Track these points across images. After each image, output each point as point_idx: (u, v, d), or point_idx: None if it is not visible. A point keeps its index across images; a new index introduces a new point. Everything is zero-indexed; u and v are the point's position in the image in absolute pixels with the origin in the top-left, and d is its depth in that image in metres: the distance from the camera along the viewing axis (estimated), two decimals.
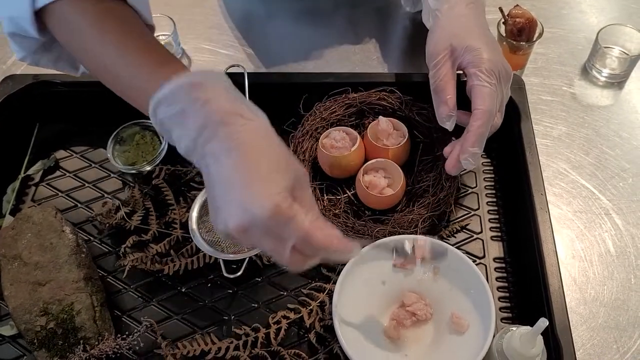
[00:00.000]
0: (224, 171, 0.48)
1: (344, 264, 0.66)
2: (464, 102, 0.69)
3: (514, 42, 0.85)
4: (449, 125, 0.69)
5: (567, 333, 0.60)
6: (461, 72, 0.70)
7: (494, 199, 0.78)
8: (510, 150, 0.77)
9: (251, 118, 0.49)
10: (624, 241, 0.75)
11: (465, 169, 0.69)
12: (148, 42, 0.55)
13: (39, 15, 0.55)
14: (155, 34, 0.91)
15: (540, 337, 0.55)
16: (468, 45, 0.68)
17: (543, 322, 0.53)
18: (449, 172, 0.70)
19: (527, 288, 0.69)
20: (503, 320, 0.68)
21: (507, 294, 0.70)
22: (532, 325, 0.55)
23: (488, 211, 0.77)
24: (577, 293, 0.71)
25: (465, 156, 0.66)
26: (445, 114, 0.68)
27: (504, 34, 0.86)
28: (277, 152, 0.50)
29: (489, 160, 0.81)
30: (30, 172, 0.82)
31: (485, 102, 0.65)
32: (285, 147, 0.51)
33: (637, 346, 0.67)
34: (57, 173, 0.83)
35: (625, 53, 0.90)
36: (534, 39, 0.85)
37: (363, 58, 0.94)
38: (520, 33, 0.85)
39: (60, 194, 0.81)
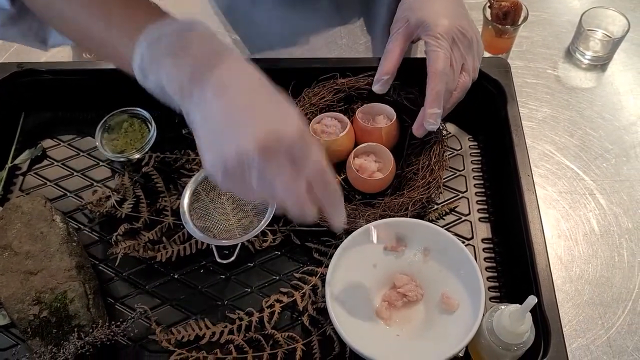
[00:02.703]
0: (240, 95, 0.47)
1: (335, 248, 0.67)
2: None
3: (500, 26, 0.86)
4: (377, 89, 0.73)
5: (554, 310, 0.61)
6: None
7: (482, 181, 0.79)
8: (497, 132, 0.78)
9: (240, 58, 0.51)
10: (608, 220, 0.77)
11: (430, 130, 0.71)
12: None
13: None
14: None
15: (529, 315, 0.56)
16: (420, 16, 0.70)
17: (532, 300, 0.54)
18: (416, 134, 0.73)
19: (514, 267, 0.71)
20: (492, 300, 0.70)
21: (496, 274, 0.72)
22: (520, 304, 0.56)
23: (476, 193, 0.78)
24: (563, 271, 0.73)
25: (426, 118, 0.69)
26: (377, 77, 0.72)
27: (490, 18, 0.86)
28: (278, 90, 0.50)
29: (475, 143, 0.83)
30: (17, 161, 0.81)
31: (436, 64, 0.68)
32: None
33: (621, 322, 0.69)
34: (45, 162, 0.82)
35: (608, 36, 0.91)
36: (519, 23, 0.86)
37: (350, 42, 0.94)
38: (505, 17, 0.86)
39: (48, 183, 0.80)
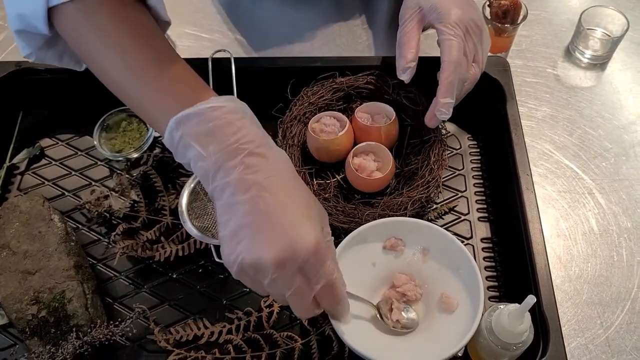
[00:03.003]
0: (261, 203, 0.47)
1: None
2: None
3: (499, 25, 0.86)
4: (405, 77, 0.71)
5: (553, 309, 0.61)
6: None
7: (481, 181, 0.79)
8: (496, 132, 0.78)
9: (279, 152, 0.51)
10: (607, 219, 0.77)
11: (443, 120, 0.70)
12: (165, 55, 0.54)
13: (48, 12, 0.54)
14: None
15: (528, 314, 0.56)
16: (433, 3, 0.69)
17: (531, 299, 0.54)
18: (428, 125, 0.72)
19: (514, 267, 0.71)
20: (491, 299, 0.70)
21: (495, 273, 0.72)
22: (519, 303, 0.56)
23: (475, 192, 0.78)
24: (562, 271, 0.73)
25: (439, 107, 0.68)
26: (403, 66, 0.70)
27: (489, 17, 0.86)
28: (307, 190, 0.52)
29: (475, 142, 0.82)
30: (15, 160, 0.81)
31: (451, 54, 0.66)
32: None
33: (620, 321, 0.69)
34: (43, 161, 0.82)
35: (608, 35, 0.91)
36: (518, 22, 0.86)
37: (349, 41, 0.93)
38: (504, 15, 0.86)
39: (46, 182, 0.80)
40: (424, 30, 0.72)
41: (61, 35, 0.56)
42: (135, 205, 0.76)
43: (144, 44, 0.54)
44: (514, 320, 0.56)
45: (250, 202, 0.48)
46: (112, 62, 0.53)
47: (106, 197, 0.76)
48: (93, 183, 0.80)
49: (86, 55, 0.56)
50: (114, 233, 0.73)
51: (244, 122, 0.51)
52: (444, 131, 0.78)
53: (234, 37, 0.94)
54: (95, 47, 0.54)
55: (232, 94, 0.78)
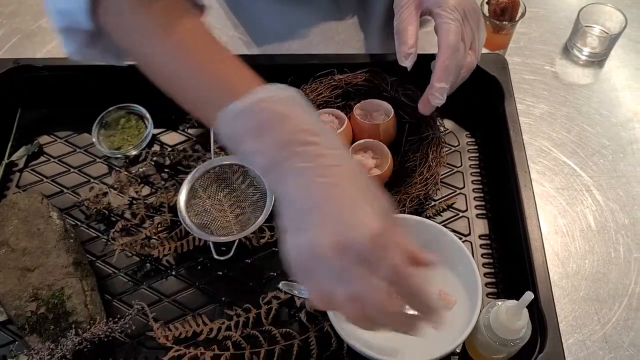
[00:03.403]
0: (320, 190, 0.45)
1: None
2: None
3: (497, 22, 0.86)
4: (408, 64, 0.69)
5: (551, 306, 0.62)
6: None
7: (479, 178, 0.79)
8: (494, 129, 0.78)
9: (334, 138, 0.48)
10: (604, 216, 0.77)
11: (436, 106, 0.68)
12: (214, 48, 0.53)
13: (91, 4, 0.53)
14: None
15: (526, 310, 0.56)
16: None
17: (529, 296, 0.54)
18: (421, 111, 0.70)
19: (511, 263, 0.71)
20: (489, 296, 0.70)
21: (493, 270, 0.72)
22: (517, 299, 0.56)
23: (473, 189, 0.78)
24: (560, 267, 0.73)
25: (432, 92, 0.66)
26: (404, 52, 0.68)
27: (487, 14, 0.86)
28: (368, 178, 0.48)
29: (473, 139, 0.83)
30: (13, 157, 0.81)
31: (449, 38, 0.65)
32: None
33: (617, 317, 0.69)
34: (42, 158, 0.82)
35: (606, 32, 0.91)
36: (517, 19, 0.86)
37: (347, 38, 0.93)
38: (503, 13, 0.86)
39: (45, 179, 0.80)
40: (421, 16, 0.70)
41: (104, 29, 0.54)
42: (134, 202, 0.76)
43: (196, 34, 0.52)
44: (511, 317, 0.56)
45: (308, 190, 0.45)
46: (163, 55, 0.52)
47: (105, 194, 0.76)
48: (92, 180, 0.80)
49: (133, 47, 0.54)
50: (112, 230, 0.74)
51: (296, 110, 0.48)
52: (442, 128, 0.78)
53: (232, 35, 0.94)
54: (145, 39, 0.52)
55: None
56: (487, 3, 0.87)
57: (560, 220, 0.77)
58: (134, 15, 0.52)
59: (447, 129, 0.83)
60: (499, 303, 0.59)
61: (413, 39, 0.68)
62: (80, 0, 0.52)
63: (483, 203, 0.77)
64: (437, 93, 0.66)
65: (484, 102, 0.80)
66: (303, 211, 0.46)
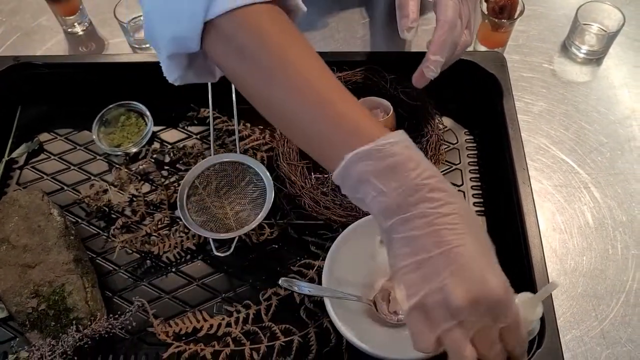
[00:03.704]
0: (449, 237, 0.45)
1: (332, 241, 0.67)
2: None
3: (496, 20, 0.86)
4: (409, 36, 0.70)
5: (549, 302, 0.62)
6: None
7: (477, 175, 0.79)
8: (492, 126, 0.78)
9: (451, 185, 0.49)
10: (602, 213, 0.77)
11: (430, 79, 0.69)
12: (330, 82, 0.52)
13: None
14: (132, 16, 0.90)
15: (541, 303, 0.54)
16: None
17: (552, 286, 0.52)
18: (415, 84, 0.70)
19: (510, 260, 0.71)
20: None
21: None
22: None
23: (472, 187, 0.79)
24: (558, 264, 0.73)
25: (427, 64, 0.67)
26: (406, 25, 0.69)
27: (486, 12, 0.87)
28: (483, 228, 0.50)
29: (472, 137, 0.83)
30: (14, 155, 0.81)
31: (447, 13, 0.66)
32: None
33: (615, 313, 0.70)
34: (42, 156, 0.82)
35: (604, 30, 0.91)
36: (515, 17, 0.86)
37: (347, 36, 0.94)
38: (501, 11, 0.86)
39: (45, 176, 0.80)
40: None
41: (209, 54, 0.53)
42: (134, 199, 0.76)
43: (315, 69, 0.52)
44: (528, 308, 0.53)
45: (436, 236, 0.45)
46: (279, 90, 0.51)
47: (105, 191, 0.77)
48: (92, 177, 0.80)
49: (241, 78, 0.53)
50: (113, 227, 0.74)
51: (420, 156, 0.49)
52: (440, 126, 0.78)
53: None
54: (259, 69, 0.51)
55: (232, 90, 0.78)
56: (486, 1, 0.87)
57: (558, 217, 0.77)
58: (246, 39, 0.50)
59: (446, 127, 0.83)
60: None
61: (415, 13, 0.69)
62: (196, 26, 0.51)
63: (482, 200, 0.77)
64: (432, 65, 0.66)
65: (483, 100, 0.80)
66: (430, 255, 0.46)
